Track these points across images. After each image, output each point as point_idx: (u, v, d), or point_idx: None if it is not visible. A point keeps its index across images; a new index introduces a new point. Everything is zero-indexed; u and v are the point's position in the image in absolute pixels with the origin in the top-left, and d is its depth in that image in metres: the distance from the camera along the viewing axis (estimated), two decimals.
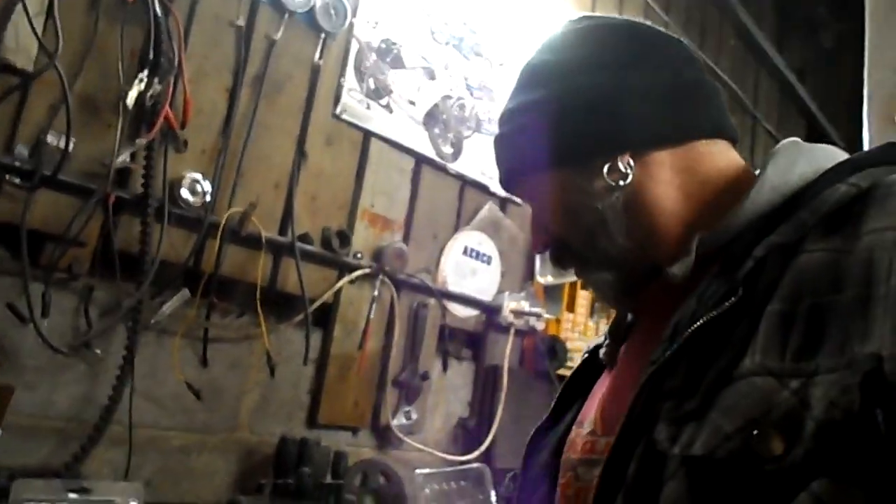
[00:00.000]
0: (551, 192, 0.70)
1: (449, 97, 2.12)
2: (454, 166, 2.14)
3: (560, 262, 0.74)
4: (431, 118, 2.06)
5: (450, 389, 2.17)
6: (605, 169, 0.65)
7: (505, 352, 2.22)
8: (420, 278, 2.01)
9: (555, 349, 2.35)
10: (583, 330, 2.49)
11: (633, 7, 2.91)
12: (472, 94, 2.18)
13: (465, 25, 2.16)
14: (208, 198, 1.54)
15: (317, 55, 1.78)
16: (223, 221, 1.54)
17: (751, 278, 0.53)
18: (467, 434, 2.17)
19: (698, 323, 0.54)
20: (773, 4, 4.28)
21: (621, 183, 0.65)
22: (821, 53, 4.63)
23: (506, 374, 2.19)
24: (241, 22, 1.64)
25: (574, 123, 0.66)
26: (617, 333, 0.77)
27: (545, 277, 2.40)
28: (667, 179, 0.65)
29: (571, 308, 2.49)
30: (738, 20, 3.54)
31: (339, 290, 1.81)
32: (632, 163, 0.65)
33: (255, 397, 1.66)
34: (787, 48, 4.20)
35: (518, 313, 2.23)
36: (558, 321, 2.43)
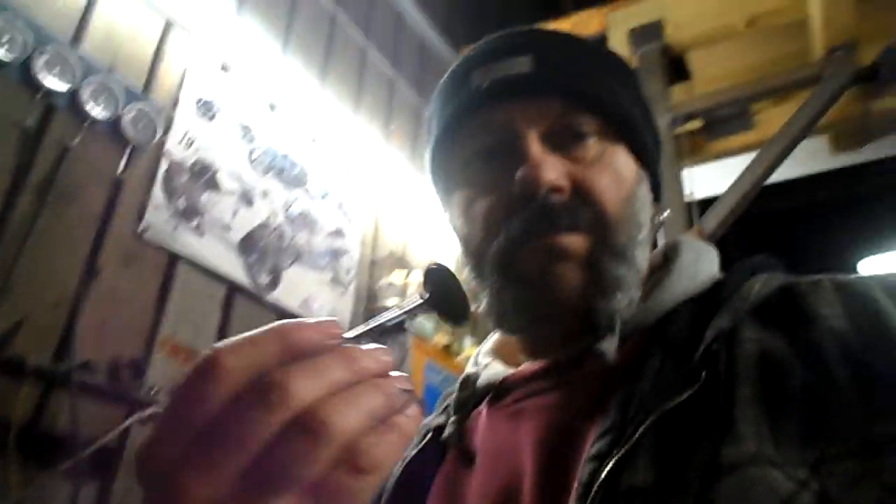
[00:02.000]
0: (623, 163, 0.62)
1: (267, 225, 2.03)
2: (271, 297, 2.00)
3: (566, 217, 0.57)
4: (247, 245, 1.95)
5: None
6: (650, 199, 0.65)
7: None
8: None
9: None
10: None
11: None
12: (292, 224, 2.12)
13: (287, 157, 2.14)
14: None
15: (120, 168, 1.64)
16: None
17: (707, 362, 0.49)
18: None
19: (660, 410, 0.47)
20: None
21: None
22: None
23: None
24: (31, 123, 1.48)
25: (652, 135, 0.66)
26: (466, 407, 0.64)
27: None
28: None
29: None
30: None
31: (125, 431, 1.52)
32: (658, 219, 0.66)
33: None
34: None
35: None
36: None
